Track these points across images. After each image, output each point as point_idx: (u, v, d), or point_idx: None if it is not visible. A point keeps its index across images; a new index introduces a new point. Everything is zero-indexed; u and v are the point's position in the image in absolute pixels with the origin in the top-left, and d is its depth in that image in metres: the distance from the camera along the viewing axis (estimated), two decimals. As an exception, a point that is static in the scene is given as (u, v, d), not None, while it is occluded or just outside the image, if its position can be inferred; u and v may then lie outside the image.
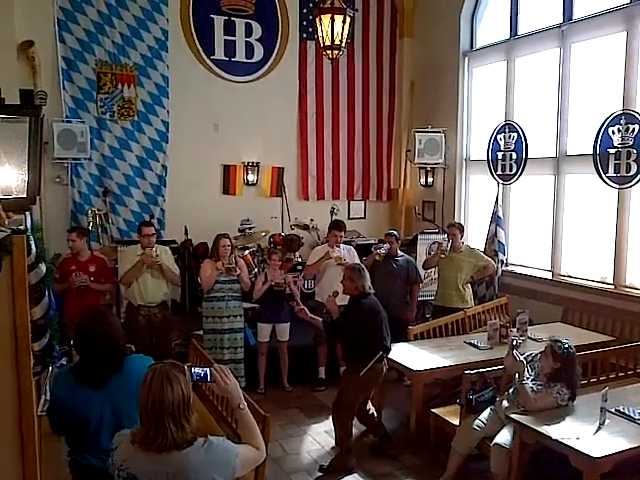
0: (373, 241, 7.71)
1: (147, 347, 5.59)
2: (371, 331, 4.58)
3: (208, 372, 2.28)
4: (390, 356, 5.25)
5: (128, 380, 2.63)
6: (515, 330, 5.47)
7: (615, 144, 5.98)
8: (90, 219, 7.14)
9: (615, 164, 5.99)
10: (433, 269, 6.95)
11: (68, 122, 7.22)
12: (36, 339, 2.27)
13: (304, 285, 7.09)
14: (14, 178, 2.39)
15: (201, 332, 6.09)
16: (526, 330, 5.60)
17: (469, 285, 6.42)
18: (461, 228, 6.49)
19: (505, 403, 4.27)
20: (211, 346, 5.89)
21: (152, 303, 5.72)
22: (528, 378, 4.11)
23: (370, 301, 4.68)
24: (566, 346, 4.07)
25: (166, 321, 5.86)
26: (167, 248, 6.13)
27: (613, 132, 6.00)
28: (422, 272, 6.96)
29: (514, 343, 4.21)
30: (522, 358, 4.14)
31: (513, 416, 3.93)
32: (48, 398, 3.04)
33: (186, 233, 7.20)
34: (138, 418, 2.18)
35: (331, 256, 6.21)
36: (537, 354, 4.28)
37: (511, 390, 4.27)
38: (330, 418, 5.21)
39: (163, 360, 2.26)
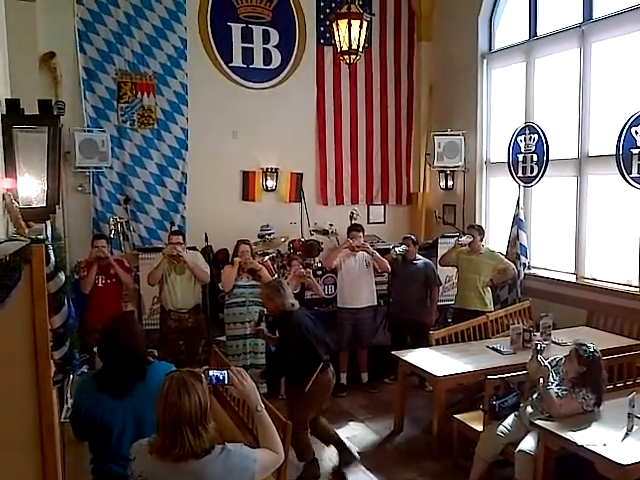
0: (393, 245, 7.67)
1: (176, 352, 5.64)
2: (303, 347, 4.35)
3: (226, 375, 2.28)
4: (412, 361, 5.25)
5: (151, 388, 2.63)
6: (539, 334, 5.40)
7: (638, 144, 5.86)
8: (112, 227, 7.19)
9: (639, 165, 5.87)
10: (454, 274, 6.89)
11: (89, 131, 7.30)
12: (56, 348, 2.28)
13: (324, 290, 7.08)
14: (33, 188, 2.41)
15: (223, 338, 6.11)
16: (550, 334, 5.53)
17: (489, 289, 6.37)
18: (480, 230, 6.45)
19: (529, 409, 4.21)
20: (234, 352, 5.88)
21: (183, 309, 5.76)
22: (552, 383, 4.05)
23: (293, 319, 4.45)
24: (591, 350, 3.99)
25: (198, 326, 5.89)
26: (197, 252, 6.27)
27: (636, 132, 5.89)
28: (442, 276, 6.92)
29: (538, 347, 4.15)
30: (546, 363, 4.07)
31: (538, 422, 3.87)
32: (70, 406, 3.06)
33: (206, 240, 7.24)
34: None
35: (352, 244, 6.22)
36: (561, 359, 4.21)
37: (535, 396, 4.21)
38: (351, 424, 5.20)
39: (181, 368, 2.26)
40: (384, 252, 7.04)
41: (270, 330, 6.29)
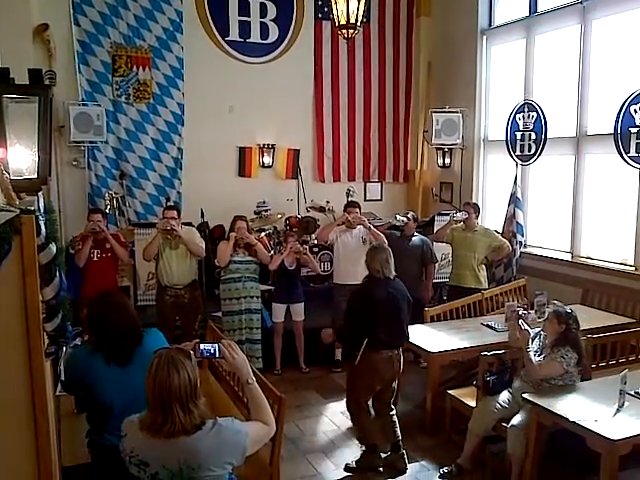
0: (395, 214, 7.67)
1: (172, 327, 5.66)
2: (363, 317, 4.21)
3: (217, 348, 2.27)
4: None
5: (148, 355, 2.63)
6: (533, 312, 5.42)
7: (637, 123, 5.83)
8: (107, 202, 7.15)
9: (637, 143, 5.84)
10: (450, 251, 6.90)
11: (84, 105, 7.22)
12: (48, 320, 2.28)
13: (320, 267, 7.09)
14: (25, 159, 2.38)
15: (219, 314, 6.12)
16: (544, 312, 5.52)
17: (484, 267, 6.38)
18: (476, 208, 6.45)
19: (517, 383, 4.27)
20: (229, 328, 5.91)
21: (178, 285, 5.74)
22: (533, 350, 4.13)
23: (372, 284, 4.34)
24: (568, 310, 4.15)
25: (194, 302, 5.88)
26: (192, 228, 6.24)
27: (635, 111, 5.85)
28: (438, 254, 6.93)
29: (519, 313, 4.21)
30: (526, 327, 4.15)
31: (529, 397, 3.91)
32: (63, 378, 3.06)
33: (202, 216, 7.21)
34: None
35: (349, 219, 6.22)
36: (540, 330, 4.27)
37: (523, 372, 4.25)
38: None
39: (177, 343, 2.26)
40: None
41: (268, 307, 6.35)
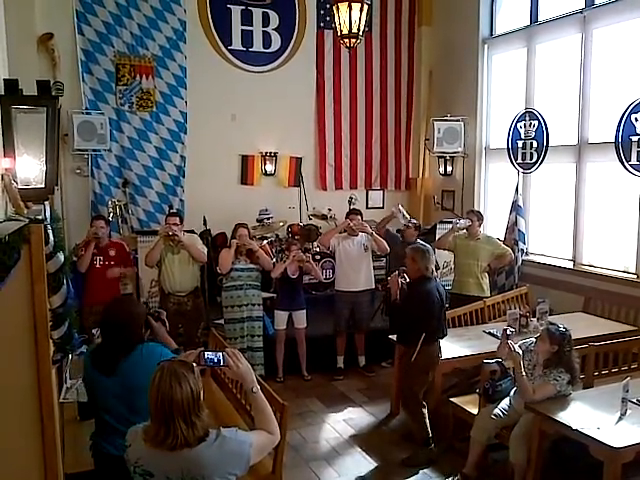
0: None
1: (174, 335, 5.66)
2: (420, 315, 4.49)
3: (221, 356, 2.27)
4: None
5: (136, 368, 2.63)
6: (535, 320, 5.43)
7: (638, 131, 5.86)
8: (110, 210, 7.20)
9: (638, 152, 5.86)
10: (452, 259, 6.91)
11: (87, 114, 7.27)
12: (55, 327, 2.29)
13: (322, 274, 7.10)
14: (32, 169, 2.41)
15: (221, 321, 6.13)
16: (546, 320, 5.55)
17: (486, 274, 6.38)
18: (479, 215, 6.45)
19: (512, 394, 4.26)
20: (232, 336, 5.91)
21: (181, 292, 5.76)
22: (525, 369, 4.04)
23: (429, 287, 4.54)
24: (562, 329, 4.03)
25: (196, 310, 5.90)
26: (194, 235, 6.27)
27: (636, 119, 5.88)
28: (440, 261, 6.94)
29: (508, 333, 4.15)
30: (517, 349, 4.03)
31: (533, 406, 3.90)
32: (69, 386, 3.08)
33: (205, 223, 7.24)
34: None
35: (351, 225, 6.25)
36: (531, 344, 4.21)
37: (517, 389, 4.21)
38: (348, 407, 5.21)
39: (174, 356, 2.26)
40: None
41: (269, 315, 6.36)
